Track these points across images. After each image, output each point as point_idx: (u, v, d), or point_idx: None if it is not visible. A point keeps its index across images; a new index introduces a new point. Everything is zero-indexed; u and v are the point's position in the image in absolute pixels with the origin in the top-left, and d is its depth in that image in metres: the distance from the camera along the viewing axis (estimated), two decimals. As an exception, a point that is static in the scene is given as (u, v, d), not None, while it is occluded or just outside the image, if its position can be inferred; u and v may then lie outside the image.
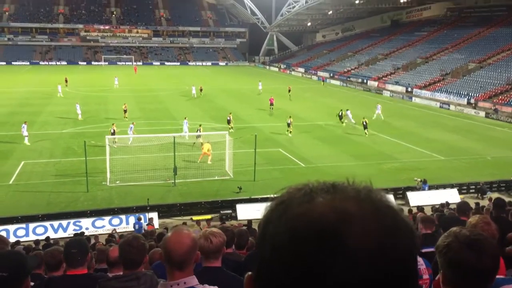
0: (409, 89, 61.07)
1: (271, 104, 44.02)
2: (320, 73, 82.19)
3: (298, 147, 30.92)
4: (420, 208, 18.13)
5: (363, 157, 28.63)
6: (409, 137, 34.81)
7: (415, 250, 0.86)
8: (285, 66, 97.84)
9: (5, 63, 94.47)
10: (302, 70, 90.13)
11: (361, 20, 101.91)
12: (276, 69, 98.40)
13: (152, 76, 76.81)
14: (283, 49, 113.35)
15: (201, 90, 52.04)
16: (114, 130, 29.28)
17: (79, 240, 4.70)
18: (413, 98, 56.76)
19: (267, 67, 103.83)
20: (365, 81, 70.95)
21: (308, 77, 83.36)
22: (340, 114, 38.48)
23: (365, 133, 34.44)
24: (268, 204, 0.92)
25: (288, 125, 34.23)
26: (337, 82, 73.45)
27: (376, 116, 40.48)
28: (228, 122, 34.47)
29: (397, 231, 0.83)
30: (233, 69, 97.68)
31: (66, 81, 55.99)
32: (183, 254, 2.75)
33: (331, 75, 78.95)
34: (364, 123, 34.59)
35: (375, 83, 68.10)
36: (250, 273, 0.92)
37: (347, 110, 38.26)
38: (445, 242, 1.90)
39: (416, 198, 22.45)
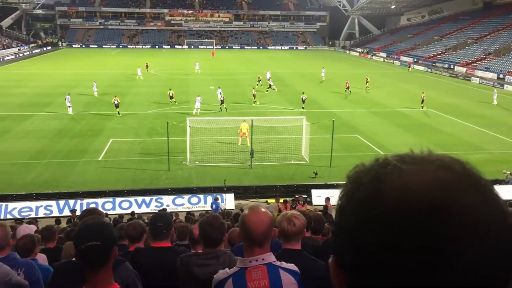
0: (501, 76, 56.97)
1: (348, 88, 44.09)
2: (403, 58, 78.94)
3: (377, 134, 30.06)
4: (509, 203, 16.98)
5: (447, 147, 27.23)
6: (499, 126, 32.59)
7: None
8: (366, 50, 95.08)
9: (96, 46, 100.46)
10: (384, 55, 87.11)
11: (450, 2, 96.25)
12: (357, 54, 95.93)
13: (231, 60, 77.99)
14: (365, 33, 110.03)
15: (259, 80, 47.18)
16: (118, 102, 33.92)
17: (165, 215, 4.92)
18: (505, 86, 52.82)
19: (347, 51, 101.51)
20: (452, 66, 67.20)
21: (390, 62, 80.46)
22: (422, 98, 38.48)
23: (422, 106, 37.82)
24: (348, 184, 0.87)
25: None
26: (422, 68, 70.20)
27: (496, 102, 41.05)
28: (303, 101, 36.56)
29: (499, 205, 0.79)
30: (312, 53, 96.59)
31: (147, 66, 58.41)
32: (263, 232, 2.81)
33: (415, 60, 75.54)
34: (423, 98, 38.04)
35: (463, 69, 64.26)
36: (332, 258, 0.88)
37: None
38: None
39: (503, 192, 21.01)
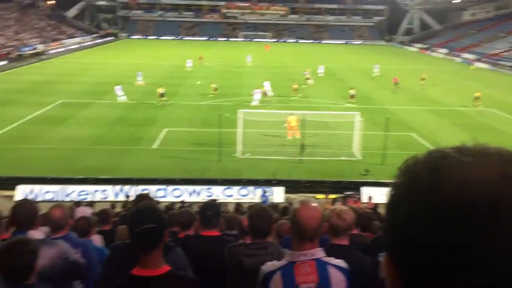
0: None
1: (396, 83, 42.77)
2: (465, 55, 75.73)
3: (433, 133, 29.09)
4: None
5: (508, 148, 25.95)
6: None
7: None
8: (425, 46, 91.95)
9: (155, 37, 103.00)
10: (444, 51, 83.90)
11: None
12: (415, 50, 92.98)
13: (286, 54, 77.71)
14: (425, 28, 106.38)
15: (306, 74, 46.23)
16: (163, 92, 34.87)
17: (214, 204, 5.03)
18: None
19: (405, 47, 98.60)
20: (517, 65, 63.82)
21: (450, 59, 77.42)
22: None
23: (477, 105, 35.71)
24: (402, 177, 0.83)
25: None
26: (485, 66, 67.08)
27: None
28: (351, 97, 35.96)
29: None
30: (369, 48, 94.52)
31: (201, 58, 59.34)
32: (315, 227, 2.81)
33: (478, 57, 72.26)
34: (478, 96, 35.90)
35: (530, 68, 60.89)
36: (384, 255, 0.86)
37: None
38: None
39: None
